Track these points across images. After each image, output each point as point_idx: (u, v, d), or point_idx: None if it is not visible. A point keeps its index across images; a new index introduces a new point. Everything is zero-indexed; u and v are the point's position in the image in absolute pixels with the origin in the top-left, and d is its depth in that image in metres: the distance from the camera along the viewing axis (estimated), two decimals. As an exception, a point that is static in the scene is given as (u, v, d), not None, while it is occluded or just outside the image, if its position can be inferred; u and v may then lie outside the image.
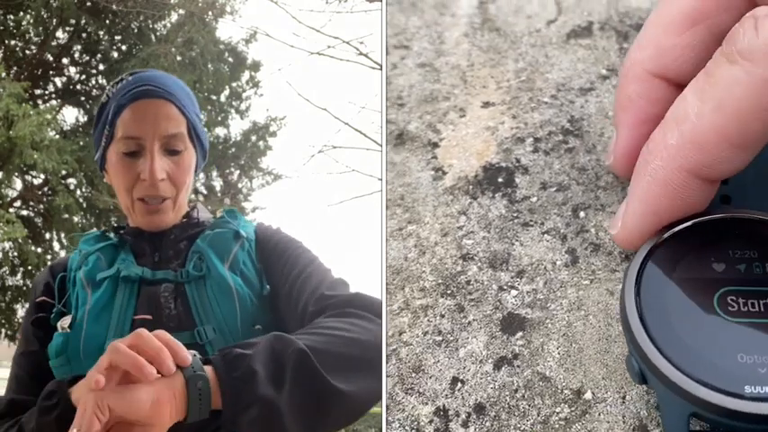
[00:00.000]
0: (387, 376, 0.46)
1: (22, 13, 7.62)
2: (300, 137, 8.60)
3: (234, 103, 8.80)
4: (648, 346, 0.38)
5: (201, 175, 8.73)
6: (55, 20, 7.68)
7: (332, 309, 0.77)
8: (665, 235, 0.41)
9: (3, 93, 6.31)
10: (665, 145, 0.38)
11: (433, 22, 0.59)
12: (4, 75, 6.58)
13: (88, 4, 7.70)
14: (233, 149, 8.75)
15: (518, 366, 0.46)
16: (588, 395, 0.44)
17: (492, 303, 0.48)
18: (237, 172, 8.86)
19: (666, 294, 0.40)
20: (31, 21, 7.69)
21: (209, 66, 8.27)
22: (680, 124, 0.37)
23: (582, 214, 0.51)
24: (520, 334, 0.47)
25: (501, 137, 0.54)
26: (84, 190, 7.61)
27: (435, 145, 0.53)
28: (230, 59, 8.58)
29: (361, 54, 6.81)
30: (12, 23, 7.62)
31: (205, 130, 0.95)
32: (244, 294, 0.84)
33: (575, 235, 0.50)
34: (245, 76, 8.77)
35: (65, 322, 0.83)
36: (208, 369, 0.64)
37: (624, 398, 0.44)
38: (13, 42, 7.71)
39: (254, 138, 8.78)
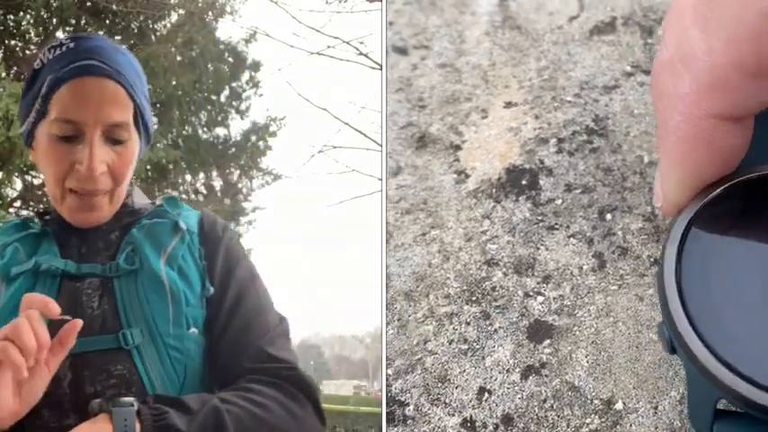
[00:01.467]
0: (413, 387, 0.44)
1: (22, 13, 7.60)
2: (300, 137, 8.56)
3: (234, 103, 8.80)
4: (681, 319, 0.34)
5: (201, 175, 8.75)
6: (55, 20, 7.67)
7: (268, 376, 0.73)
8: (712, 194, 0.36)
9: (3, 93, 6.30)
10: (679, 95, 0.33)
11: (454, 21, 0.57)
12: (3, 75, 6.56)
13: (88, 4, 7.69)
14: (233, 149, 8.75)
15: (546, 376, 0.45)
16: (619, 405, 0.43)
17: (518, 310, 0.47)
18: (237, 172, 8.86)
19: (711, 264, 0.35)
20: (31, 21, 7.68)
21: (209, 66, 8.27)
22: (689, 67, 0.33)
23: (608, 217, 0.49)
24: (547, 342, 0.46)
25: (524, 138, 0.52)
26: (83, 190, 7.59)
27: (458, 147, 0.52)
28: (230, 59, 8.58)
29: (361, 54, 6.81)
30: (12, 23, 7.61)
31: (150, 112, 0.82)
32: (178, 292, 0.74)
33: (601, 238, 0.48)
34: (245, 76, 8.77)
35: None
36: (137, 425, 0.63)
37: (656, 408, 0.43)
38: (13, 42, 7.70)
39: (254, 138, 8.77)
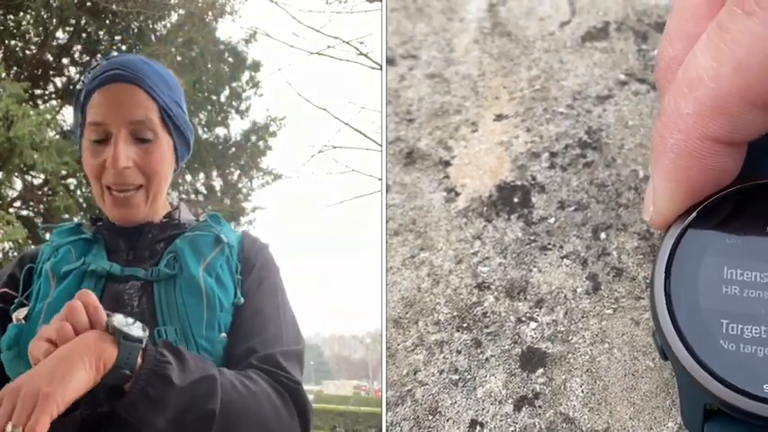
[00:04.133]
0: (403, 419, 0.42)
1: (22, 13, 7.59)
2: (300, 137, 8.53)
3: (234, 103, 8.78)
4: (669, 329, 0.35)
5: (201, 175, 8.73)
6: (55, 20, 7.66)
7: (270, 377, 0.76)
8: (700, 208, 0.37)
9: (2, 93, 6.28)
10: (681, 115, 0.34)
11: (441, 29, 0.54)
12: (3, 75, 6.55)
13: (88, 4, 7.68)
14: (233, 149, 8.73)
15: (539, 407, 0.43)
16: (615, 437, 0.41)
17: (510, 337, 0.45)
18: (237, 172, 8.83)
19: (698, 275, 0.36)
20: (31, 21, 7.67)
21: (209, 66, 8.24)
22: (693, 90, 0.33)
23: (603, 235, 0.47)
24: (540, 371, 0.44)
25: (515, 152, 0.50)
26: (84, 190, 7.60)
27: (447, 163, 0.50)
28: (230, 59, 8.56)
29: (361, 54, 6.79)
30: (12, 23, 7.60)
31: (187, 119, 0.89)
32: (214, 297, 0.79)
33: (596, 259, 0.46)
34: (245, 76, 8.75)
35: (20, 314, 0.79)
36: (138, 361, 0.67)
37: None
38: (13, 42, 7.69)
39: (254, 138, 8.75)
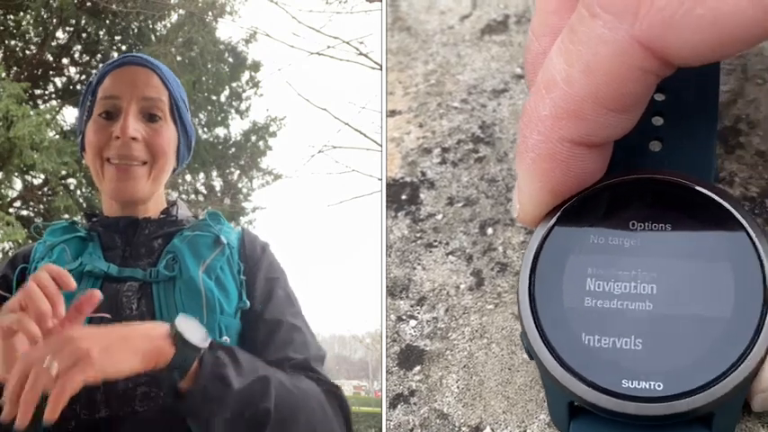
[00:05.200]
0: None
1: (22, 13, 7.61)
2: (300, 137, 8.54)
3: (234, 103, 8.77)
4: (532, 330, 0.36)
5: (201, 175, 8.73)
6: (55, 20, 7.67)
7: (312, 380, 0.77)
8: (566, 206, 0.37)
9: (2, 93, 6.30)
10: (540, 117, 0.34)
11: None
12: (3, 75, 6.57)
13: (88, 4, 7.69)
14: (233, 149, 8.72)
15: (414, 404, 0.42)
16: (487, 431, 0.40)
17: (389, 336, 0.44)
18: (237, 172, 8.83)
19: (563, 273, 0.36)
20: (31, 21, 7.68)
21: (209, 66, 8.24)
22: (550, 92, 0.33)
23: (489, 231, 0.46)
24: (418, 368, 0.43)
25: (406, 149, 0.49)
26: (84, 190, 7.61)
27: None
28: (230, 59, 8.55)
29: (361, 54, 6.79)
30: (12, 23, 7.62)
31: (190, 119, 0.90)
32: (213, 300, 0.78)
33: (481, 254, 0.45)
34: (245, 76, 8.74)
35: None
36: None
37: None
38: (13, 42, 7.70)
39: (254, 138, 8.75)
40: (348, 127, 6.90)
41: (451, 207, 0.47)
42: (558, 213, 0.37)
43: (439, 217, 0.47)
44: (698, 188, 0.36)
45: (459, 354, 0.43)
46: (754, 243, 0.34)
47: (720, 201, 0.35)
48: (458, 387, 0.42)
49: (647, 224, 0.36)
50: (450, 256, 0.46)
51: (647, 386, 0.33)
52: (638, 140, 0.39)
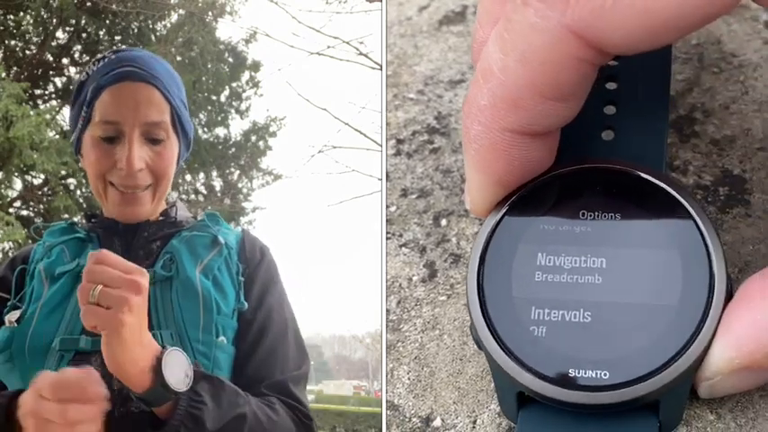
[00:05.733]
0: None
1: (22, 13, 7.62)
2: (300, 137, 8.53)
3: (234, 103, 8.78)
4: (479, 320, 0.35)
5: (201, 175, 8.74)
6: (55, 20, 7.68)
7: (287, 407, 0.76)
8: (516, 196, 0.37)
9: (2, 93, 6.31)
10: (479, 107, 0.33)
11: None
12: (3, 75, 6.58)
13: (88, 4, 7.70)
14: (233, 149, 8.73)
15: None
16: (437, 422, 0.40)
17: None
18: (237, 172, 8.83)
19: (512, 263, 0.36)
20: (31, 21, 7.69)
21: (209, 66, 8.25)
22: (487, 81, 0.33)
23: (444, 222, 0.46)
24: (369, 359, 0.43)
25: (363, 139, 0.49)
26: (83, 190, 7.62)
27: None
28: (230, 59, 8.56)
29: (361, 54, 6.78)
30: (12, 23, 7.63)
31: (189, 118, 0.88)
32: (210, 300, 0.77)
33: (435, 246, 0.45)
34: (245, 76, 8.74)
35: (13, 316, 0.78)
36: None
37: (475, 422, 0.40)
38: (13, 42, 7.72)
39: (254, 138, 8.75)
40: (348, 127, 6.90)
41: (405, 199, 0.47)
42: (508, 203, 0.37)
43: (393, 209, 0.47)
44: (647, 177, 0.36)
45: (410, 345, 0.43)
46: (701, 231, 0.34)
47: (669, 190, 0.35)
48: (409, 378, 0.42)
49: (597, 213, 0.36)
50: (403, 248, 0.45)
51: (594, 375, 0.33)
52: (591, 130, 0.39)
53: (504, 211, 0.37)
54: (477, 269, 0.36)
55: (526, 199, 0.37)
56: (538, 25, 0.30)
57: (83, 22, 7.75)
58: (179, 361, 0.68)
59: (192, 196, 8.62)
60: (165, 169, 0.82)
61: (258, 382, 0.77)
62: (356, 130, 6.87)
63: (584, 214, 0.36)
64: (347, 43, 6.80)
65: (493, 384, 0.40)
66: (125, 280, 0.65)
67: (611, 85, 0.39)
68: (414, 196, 0.47)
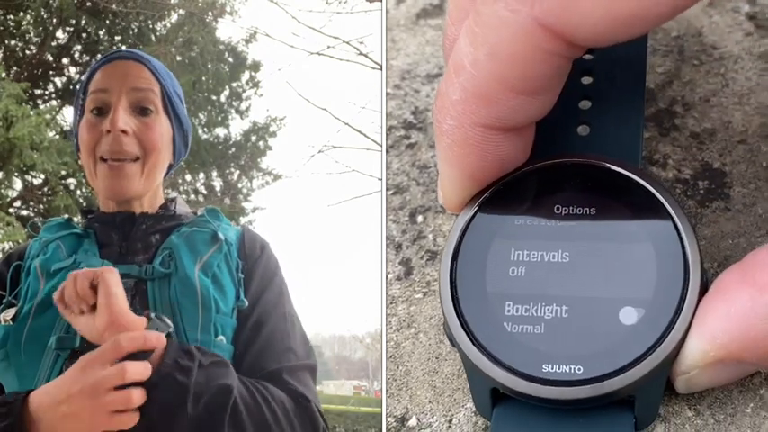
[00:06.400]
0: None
1: (22, 13, 7.62)
2: (300, 137, 8.52)
3: (234, 103, 8.77)
4: (452, 316, 0.35)
5: (201, 175, 8.73)
6: (55, 20, 7.68)
7: (285, 392, 0.74)
8: (490, 191, 0.37)
9: (2, 93, 6.31)
10: (451, 101, 0.33)
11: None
12: (3, 75, 6.58)
13: (88, 4, 7.70)
14: (233, 149, 8.72)
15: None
16: (413, 421, 0.40)
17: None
18: (237, 172, 8.83)
19: (486, 259, 0.36)
20: (31, 21, 7.69)
21: (209, 66, 8.24)
22: (459, 76, 0.32)
23: (420, 219, 0.45)
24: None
25: (340, 133, 0.48)
26: (83, 190, 7.61)
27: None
28: (230, 59, 8.55)
29: (361, 54, 6.77)
30: (12, 23, 7.63)
31: (185, 112, 0.88)
32: (209, 299, 0.76)
33: (411, 243, 0.45)
34: (245, 76, 8.73)
35: (8, 314, 0.77)
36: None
37: (451, 421, 0.39)
38: (13, 42, 7.72)
39: (254, 138, 8.75)
40: (348, 127, 6.89)
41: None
42: (482, 199, 0.37)
43: (370, 204, 0.46)
44: (622, 171, 0.36)
45: (386, 344, 0.42)
46: (676, 225, 0.34)
47: (644, 184, 0.35)
48: (384, 377, 0.42)
49: (571, 208, 0.36)
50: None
51: (568, 369, 0.33)
52: (566, 125, 0.38)
53: (478, 206, 0.37)
54: (449, 265, 0.36)
55: (500, 194, 0.37)
56: (507, 19, 0.30)
57: (83, 22, 7.74)
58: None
59: (192, 196, 8.61)
60: (154, 141, 0.81)
61: (255, 374, 0.75)
62: (356, 130, 6.87)
63: (558, 209, 0.36)
64: (347, 43, 6.79)
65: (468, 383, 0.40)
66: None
67: (587, 80, 0.39)
68: (390, 192, 0.46)
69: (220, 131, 8.78)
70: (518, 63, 0.31)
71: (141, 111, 0.81)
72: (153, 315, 0.69)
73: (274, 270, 0.86)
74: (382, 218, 0.47)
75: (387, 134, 0.47)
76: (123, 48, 7.98)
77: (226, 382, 0.68)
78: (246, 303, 0.79)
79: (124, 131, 0.79)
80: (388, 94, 0.48)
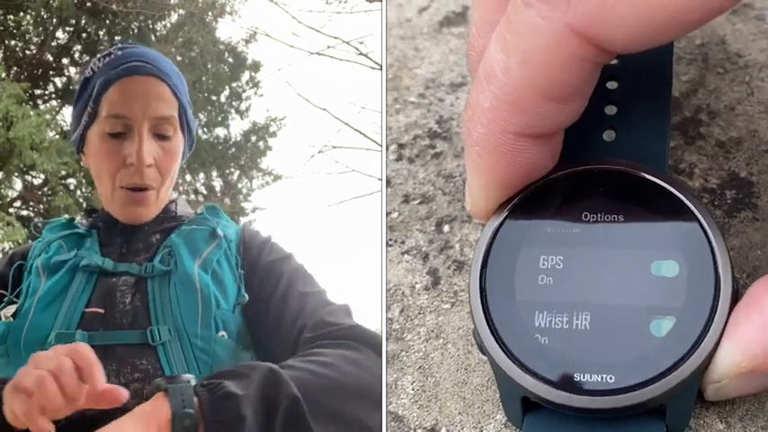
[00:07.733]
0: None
1: (22, 14, 7.61)
2: (300, 137, 8.53)
3: (234, 103, 8.75)
4: (482, 325, 0.36)
5: (201, 175, 8.72)
6: (55, 20, 7.67)
7: (329, 338, 0.71)
8: (519, 198, 0.37)
9: (2, 93, 6.30)
10: (482, 109, 0.33)
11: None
12: (3, 75, 6.57)
13: (88, 4, 7.69)
14: (233, 149, 8.71)
15: (369, 405, 0.41)
16: (442, 432, 0.40)
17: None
18: (237, 172, 8.81)
19: (515, 266, 0.36)
20: (31, 21, 7.68)
21: (209, 66, 8.23)
22: (490, 83, 0.33)
23: (446, 228, 0.45)
24: (371, 369, 0.42)
25: (362, 143, 0.48)
26: (83, 190, 7.60)
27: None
28: (230, 59, 8.53)
29: (361, 54, 6.77)
30: (12, 23, 7.62)
31: (193, 116, 0.88)
32: (209, 295, 0.76)
33: (438, 252, 0.44)
34: (245, 76, 8.71)
35: (8, 311, 0.78)
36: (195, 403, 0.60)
37: None
38: (13, 42, 7.70)
39: (254, 138, 8.73)
40: (348, 127, 6.88)
41: (407, 205, 0.46)
42: (510, 206, 0.37)
43: (394, 215, 0.46)
44: (650, 178, 0.36)
45: (414, 355, 0.42)
46: (706, 233, 0.34)
47: (673, 190, 0.35)
48: (413, 389, 0.41)
49: (599, 215, 0.36)
50: (405, 255, 0.45)
51: (599, 379, 0.33)
52: (592, 130, 0.38)
53: (506, 214, 0.37)
54: (479, 273, 0.36)
55: (528, 201, 0.37)
56: (539, 25, 0.30)
57: (83, 22, 7.73)
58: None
59: (192, 196, 8.60)
60: (171, 167, 0.82)
61: (297, 338, 0.72)
62: (356, 130, 6.86)
63: (586, 216, 0.36)
64: (347, 43, 6.79)
65: (498, 394, 0.40)
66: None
67: (612, 85, 0.39)
68: (416, 202, 0.46)
69: (220, 131, 8.77)
70: (550, 70, 0.31)
71: (161, 136, 0.81)
72: (165, 384, 0.64)
73: (282, 251, 0.85)
74: (382, 218, 0.47)
75: (411, 143, 0.47)
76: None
77: (287, 392, 0.63)
78: (247, 299, 0.79)
79: (149, 165, 0.79)
80: (412, 103, 0.48)
